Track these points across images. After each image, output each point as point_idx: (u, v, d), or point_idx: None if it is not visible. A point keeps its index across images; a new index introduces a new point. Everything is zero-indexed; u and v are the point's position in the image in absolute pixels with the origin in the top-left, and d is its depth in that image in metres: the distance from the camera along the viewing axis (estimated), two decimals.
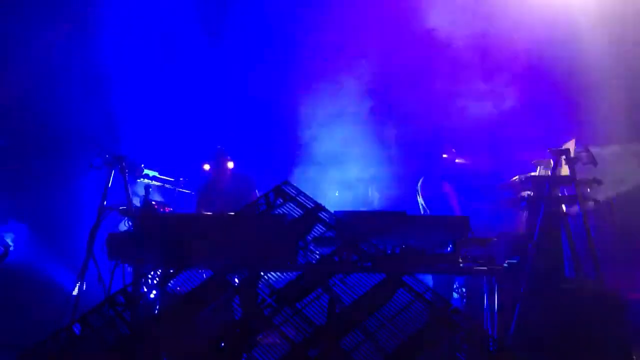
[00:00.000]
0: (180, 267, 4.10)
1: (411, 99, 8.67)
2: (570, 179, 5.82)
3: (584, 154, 5.91)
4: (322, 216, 4.25)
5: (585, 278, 5.62)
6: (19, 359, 3.77)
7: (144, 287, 4.40)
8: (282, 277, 4.06)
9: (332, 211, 4.32)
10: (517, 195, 6.17)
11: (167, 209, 6.85)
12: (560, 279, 5.61)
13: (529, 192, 6.00)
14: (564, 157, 5.85)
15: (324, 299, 3.87)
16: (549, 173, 5.96)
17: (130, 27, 9.03)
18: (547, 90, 8.13)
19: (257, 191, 7.27)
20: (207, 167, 7.52)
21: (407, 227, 4.56)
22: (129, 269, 5.27)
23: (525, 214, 6.01)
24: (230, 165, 7.51)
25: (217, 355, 3.76)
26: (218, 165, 7.47)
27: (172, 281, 4.14)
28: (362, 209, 8.03)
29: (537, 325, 5.27)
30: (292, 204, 4.32)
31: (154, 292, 4.56)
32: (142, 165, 7.14)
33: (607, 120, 7.62)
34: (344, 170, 8.48)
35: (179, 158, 8.72)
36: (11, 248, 7.07)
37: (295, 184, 4.44)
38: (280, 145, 9.08)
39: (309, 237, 4.25)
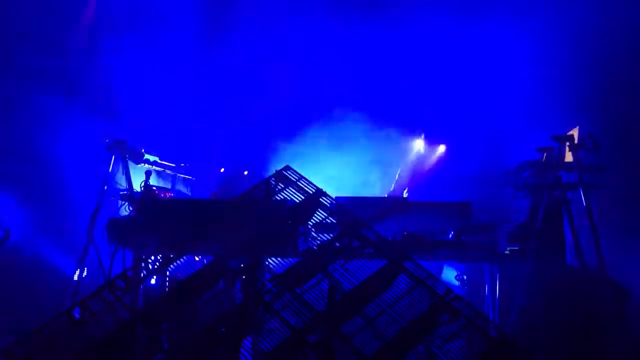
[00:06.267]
0: (180, 252, 4.08)
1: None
2: (573, 166, 5.78)
3: (587, 141, 5.85)
4: (323, 201, 4.22)
5: (588, 266, 5.59)
6: (18, 342, 3.76)
7: (144, 272, 4.37)
8: (283, 262, 4.04)
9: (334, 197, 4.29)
10: (520, 182, 6.12)
11: (168, 195, 6.82)
12: (563, 266, 5.58)
13: (532, 179, 5.95)
14: (567, 143, 5.81)
15: (324, 285, 3.85)
16: (553, 160, 5.91)
17: (132, 16, 8.97)
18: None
19: None
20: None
21: (408, 213, 4.54)
22: (130, 254, 5.25)
23: (528, 201, 5.97)
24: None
25: (216, 340, 3.74)
26: None
27: (172, 266, 4.12)
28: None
29: (538, 313, 5.26)
30: (293, 189, 4.28)
31: (154, 277, 4.54)
32: (143, 150, 7.09)
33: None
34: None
35: (180, 143, 8.68)
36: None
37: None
38: (278, 134, 9.01)
39: (310, 223, 4.23)
